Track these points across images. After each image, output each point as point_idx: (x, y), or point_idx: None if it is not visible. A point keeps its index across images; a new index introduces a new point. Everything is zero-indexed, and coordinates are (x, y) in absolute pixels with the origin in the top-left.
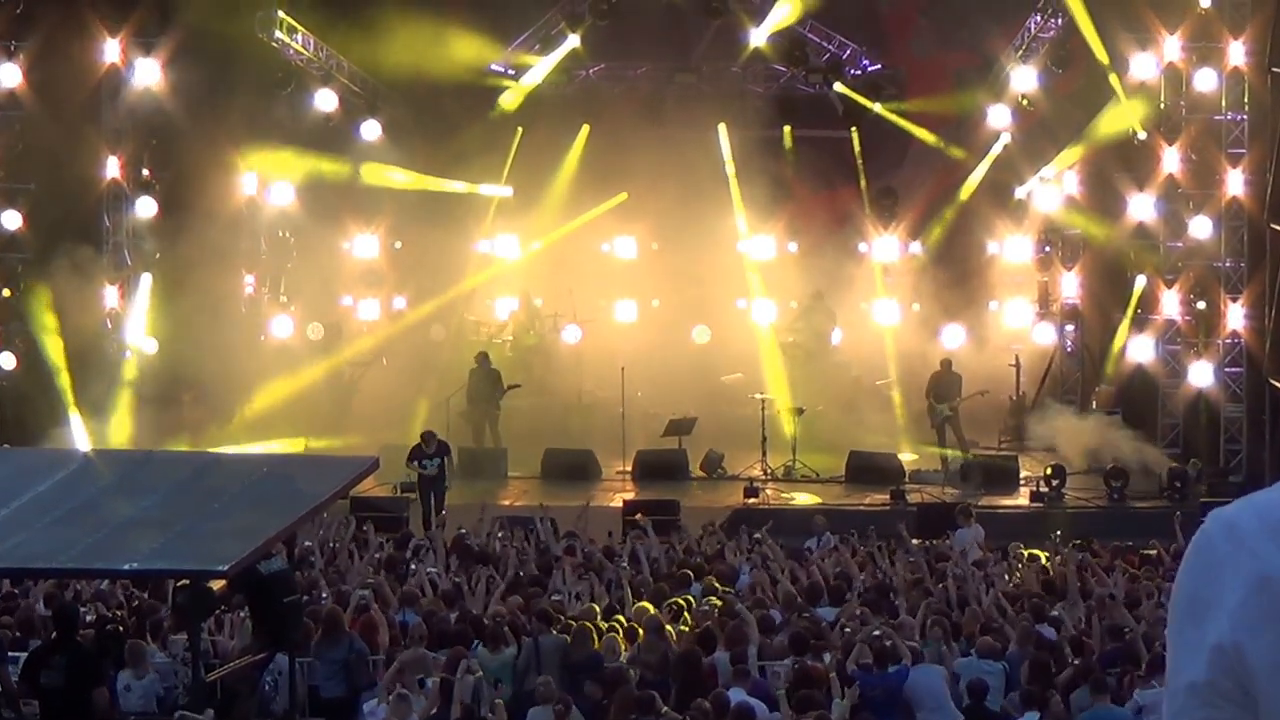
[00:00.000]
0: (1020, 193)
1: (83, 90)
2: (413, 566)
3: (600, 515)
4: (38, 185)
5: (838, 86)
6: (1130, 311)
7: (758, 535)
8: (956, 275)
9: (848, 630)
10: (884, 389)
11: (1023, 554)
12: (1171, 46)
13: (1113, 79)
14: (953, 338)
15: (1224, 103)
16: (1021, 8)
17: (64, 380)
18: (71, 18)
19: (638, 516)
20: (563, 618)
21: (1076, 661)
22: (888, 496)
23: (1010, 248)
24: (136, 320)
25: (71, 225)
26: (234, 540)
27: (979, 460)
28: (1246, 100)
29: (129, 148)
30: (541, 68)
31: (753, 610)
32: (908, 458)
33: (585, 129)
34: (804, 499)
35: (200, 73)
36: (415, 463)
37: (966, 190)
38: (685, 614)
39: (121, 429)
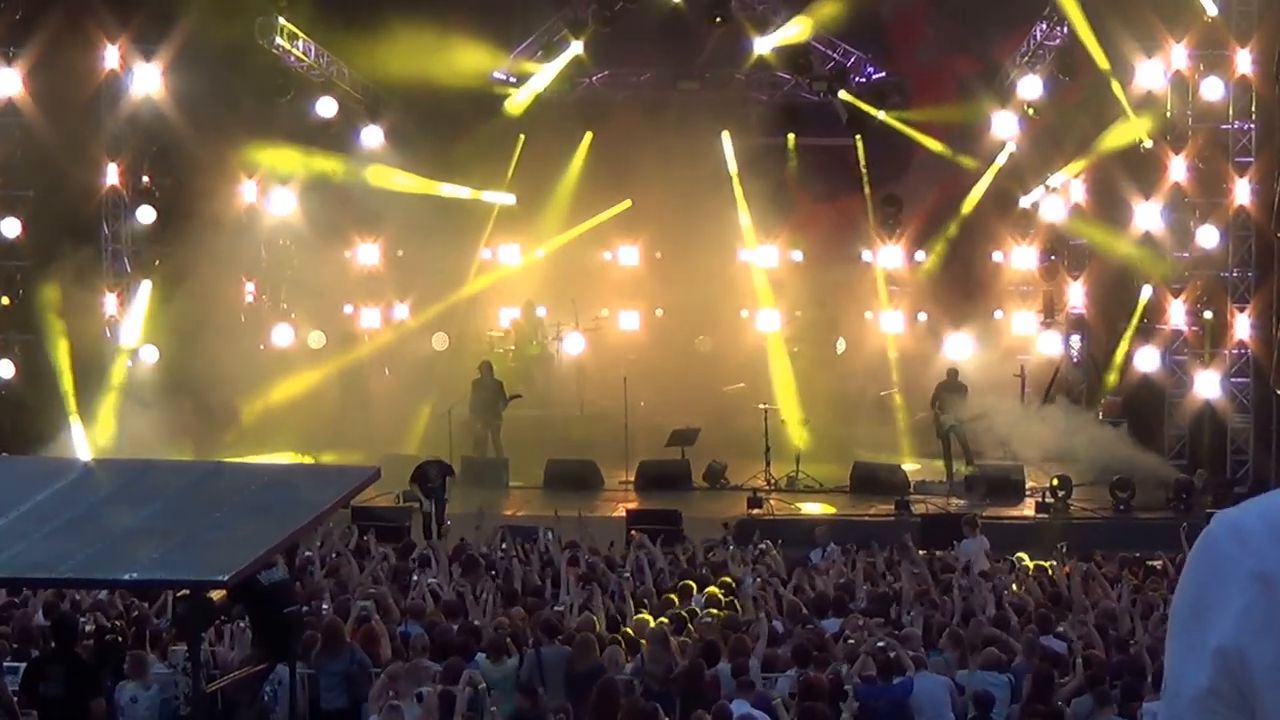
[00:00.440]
0: (1026, 202)
1: (82, 97)
2: (414, 577)
3: (603, 525)
4: (37, 192)
5: (842, 94)
6: (1135, 321)
7: (761, 546)
8: (961, 284)
9: (851, 641)
10: (888, 399)
11: (1027, 565)
12: (1178, 55)
13: (1115, 87)
14: (958, 347)
15: (1231, 111)
16: (1027, 15)
17: (63, 388)
18: (71, 24)
19: (632, 533)
20: (566, 629)
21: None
22: (892, 507)
23: (1016, 257)
24: (136, 328)
25: (71, 233)
26: (234, 550)
27: (984, 471)
28: (1254, 109)
29: (129, 155)
30: (545, 74)
31: (756, 621)
32: (912, 468)
33: (588, 136)
34: (808, 509)
35: (200, 79)
36: (416, 484)
37: (972, 199)
38: (688, 625)
39: (121, 438)
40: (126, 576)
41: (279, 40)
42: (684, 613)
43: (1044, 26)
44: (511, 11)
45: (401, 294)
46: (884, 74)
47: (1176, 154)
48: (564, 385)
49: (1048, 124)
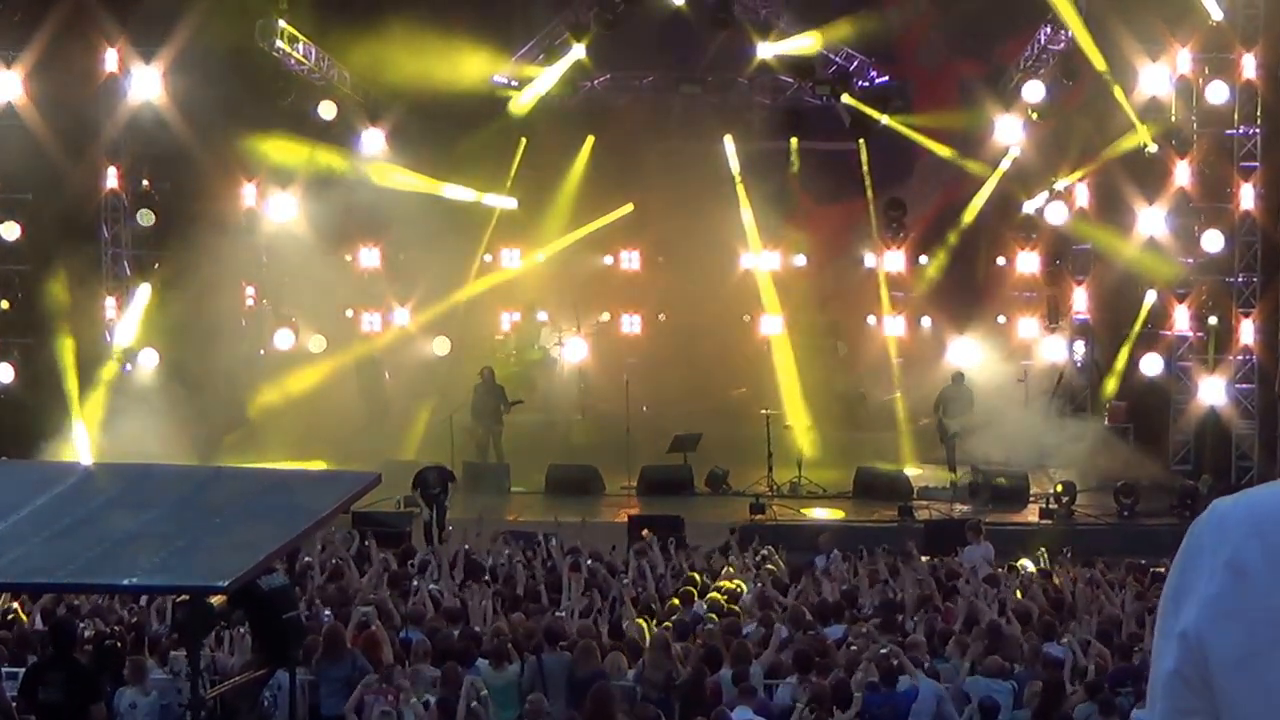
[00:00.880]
0: (1029, 207)
1: (82, 100)
2: (415, 583)
3: (604, 531)
4: (36, 195)
5: (845, 98)
6: (1138, 326)
7: (763, 551)
8: (965, 289)
9: (854, 648)
10: (891, 404)
11: (1031, 571)
12: (1183, 59)
13: (1118, 93)
14: (961, 352)
15: (1236, 116)
16: (1030, 20)
17: (63, 392)
18: (70, 27)
19: (644, 533)
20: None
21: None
22: (895, 513)
23: (1019, 262)
24: (132, 331)
25: (70, 236)
26: (234, 555)
27: (988, 476)
28: (1259, 113)
29: (128, 158)
30: (547, 78)
31: (758, 627)
32: (915, 473)
33: (590, 140)
34: (810, 515)
35: (200, 82)
36: (417, 488)
37: (975, 204)
38: (690, 631)
39: (121, 442)
40: (126, 582)
41: (279, 43)
42: (685, 619)
43: (1048, 30)
44: (512, 15)
45: (402, 298)
46: (887, 78)
47: (1181, 159)
48: (565, 390)
49: (1052, 128)
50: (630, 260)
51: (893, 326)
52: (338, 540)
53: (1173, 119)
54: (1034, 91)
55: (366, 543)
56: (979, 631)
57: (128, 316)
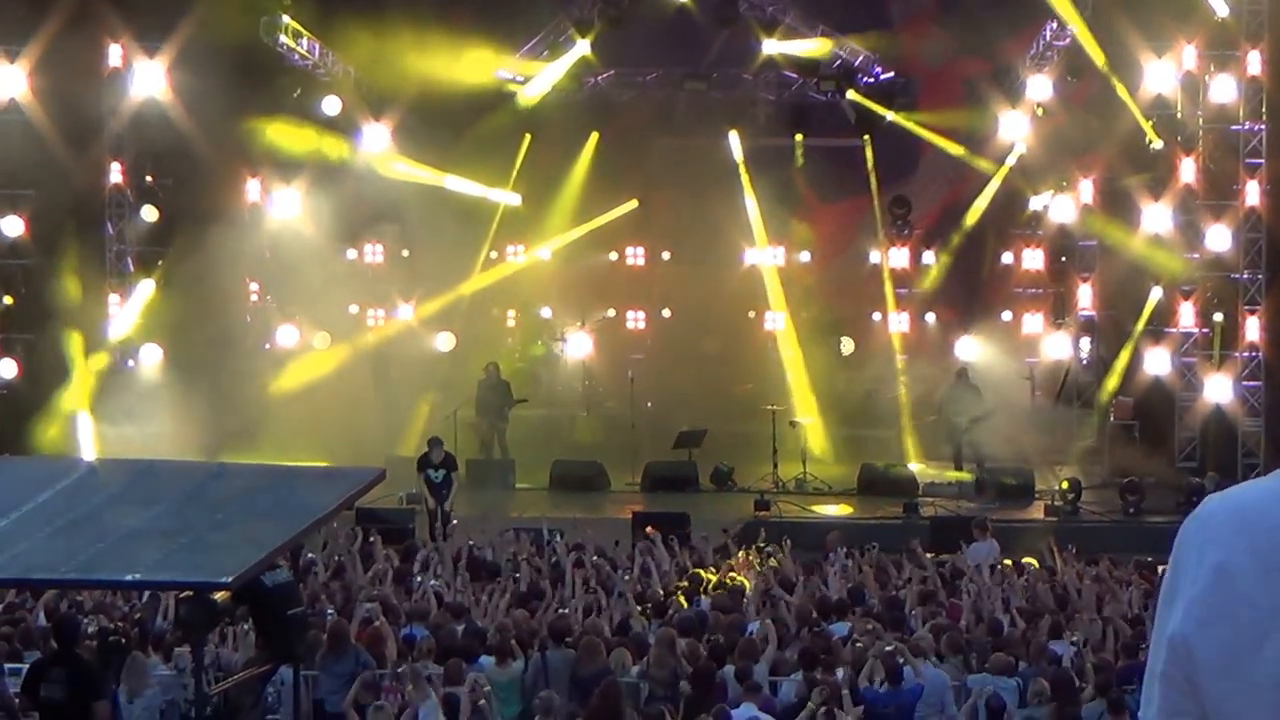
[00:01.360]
0: (1035, 203)
1: (85, 95)
2: (418, 579)
3: (609, 527)
4: (39, 191)
5: (850, 94)
6: (1142, 323)
7: (769, 548)
8: (970, 286)
9: (859, 645)
10: (895, 401)
11: (1036, 568)
12: (1188, 55)
13: (1121, 90)
14: (966, 349)
15: (1242, 112)
16: (1036, 16)
17: (66, 388)
18: (74, 22)
19: (648, 529)
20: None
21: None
22: (900, 510)
23: (1025, 258)
24: (134, 326)
25: (74, 232)
26: (238, 551)
27: (994, 473)
28: (1265, 110)
29: (131, 154)
30: (551, 73)
31: (762, 624)
32: (918, 467)
33: (594, 136)
34: (817, 512)
35: (204, 78)
36: (422, 475)
37: (981, 200)
38: (695, 628)
39: (124, 438)
40: (129, 577)
41: (283, 38)
42: (691, 615)
43: (1053, 26)
44: (516, 11)
45: (406, 295)
46: (892, 74)
47: (1187, 155)
48: (570, 386)
49: (1057, 125)
50: (635, 256)
51: (897, 323)
52: (341, 536)
53: (1178, 115)
54: (1039, 88)
55: (371, 539)
56: (982, 629)
57: (125, 310)
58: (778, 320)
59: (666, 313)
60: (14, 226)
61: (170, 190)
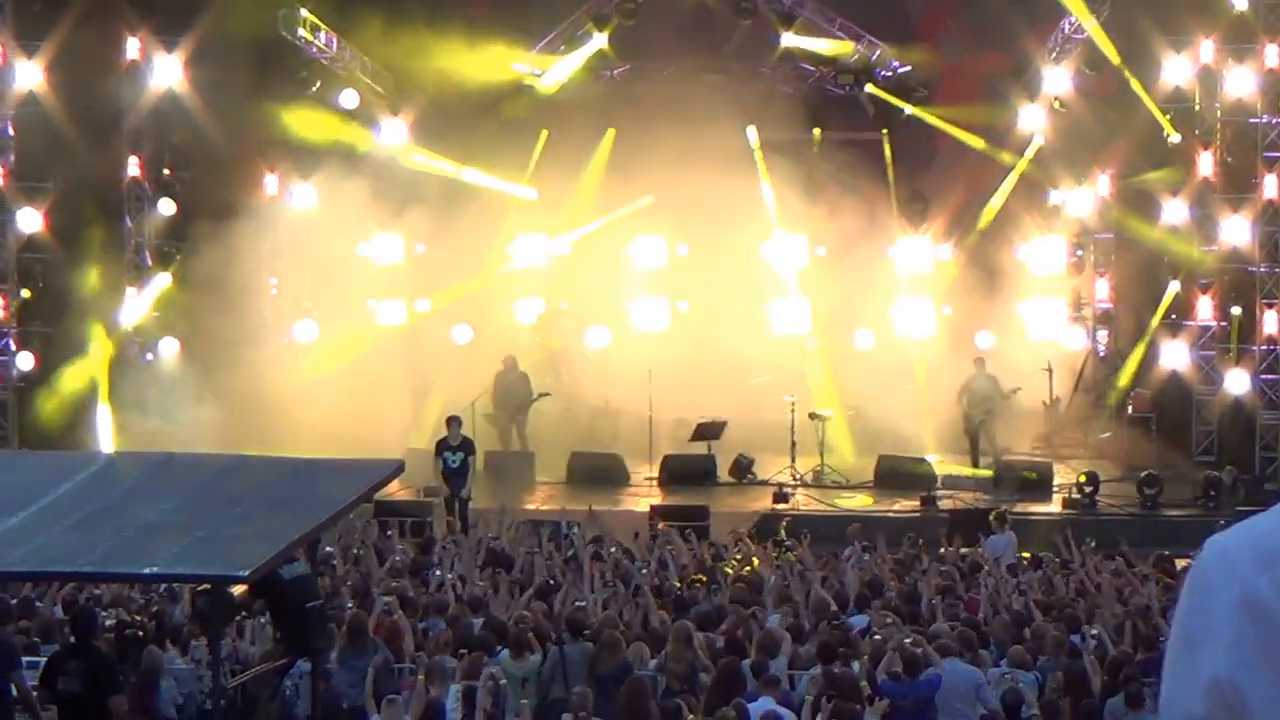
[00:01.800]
0: (1053, 196)
1: (103, 89)
2: (436, 572)
3: (628, 521)
4: (58, 185)
5: (869, 88)
6: (1158, 316)
7: (789, 541)
8: (987, 279)
9: (877, 637)
10: (913, 393)
11: (1055, 562)
12: (1206, 48)
13: (1135, 85)
14: (984, 342)
15: (1260, 105)
16: (1054, 9)
17: (84, 381)
18: (91, 16)
19: (660, 526)
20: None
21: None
22: (918, 502)
23: (1042, 251)
24: (157, 321)
25: (92, 225)
26: (255, 544)
27: (1012, 466)
28: None
29: (149, 147)
30: (568, 63)
31: (783, 618)
32: (935, 459)
33: (611, 131)
34: (836, 505)
35: (222, 71)
36: (439, 459)
37: (999, 194)
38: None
39: (142, 431)
40: (147, 570)
41: (301, 31)
42: (709, 609)
43: (1071, 20)
44: (533, 4)
45: (423, 288)
46: (910, 68)
47: (1205, 148)
48: (588, 379)
49: (1075, 118)
50: (652, 250)
51: (915, 315)
52: (359, 529)
53: (1196, 108)
54: (1057, 82)
55: (389, 532)
56: (1000, 621)
57: (139, 299)
58: (796, 313)
59: (684, 306)
60: (32, 220)
61: (188, 184)
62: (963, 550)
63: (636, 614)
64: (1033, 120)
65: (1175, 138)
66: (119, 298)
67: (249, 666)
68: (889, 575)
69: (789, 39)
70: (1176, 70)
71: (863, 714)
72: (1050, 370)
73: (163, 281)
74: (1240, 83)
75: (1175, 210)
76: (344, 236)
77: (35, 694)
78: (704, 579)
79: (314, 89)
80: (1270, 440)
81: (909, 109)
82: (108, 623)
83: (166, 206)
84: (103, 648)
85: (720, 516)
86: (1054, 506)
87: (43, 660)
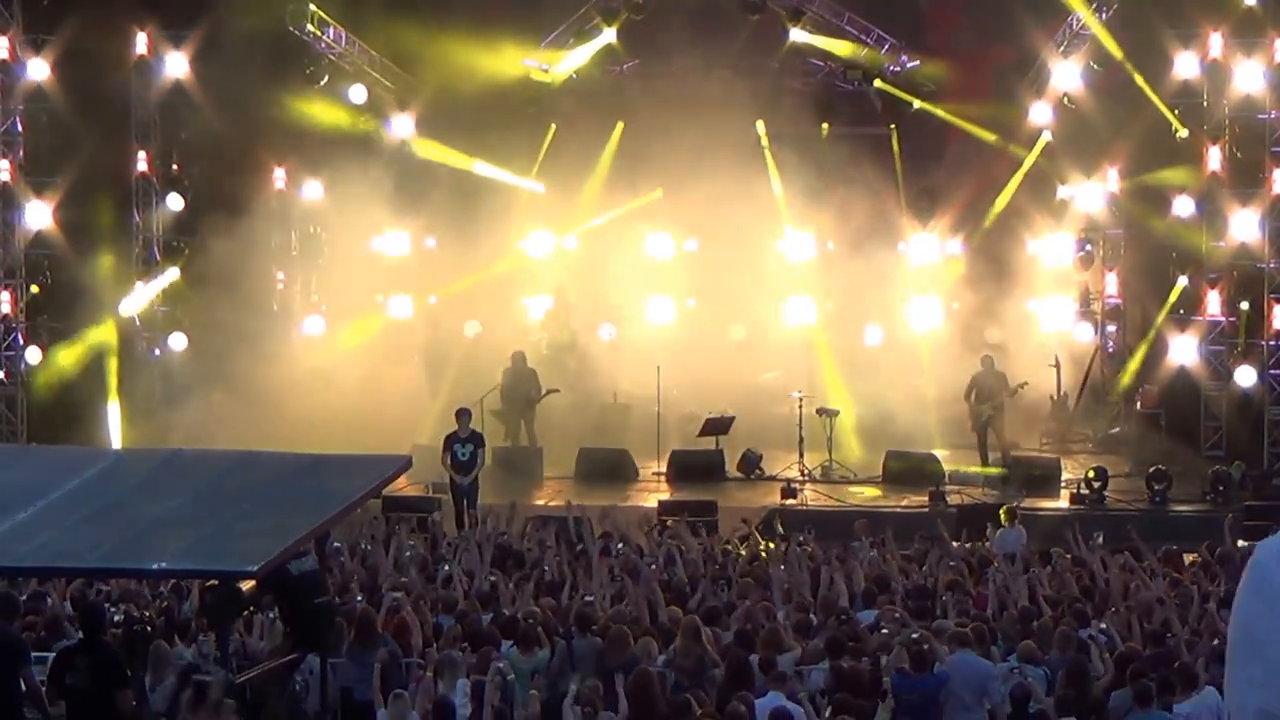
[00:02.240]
0: (1062, 191)
1: (111, 84)
2: (445, 567)
3: (635, 516)
4: (66, 180)
5: (877, 83)
6: (1165, 311)
7: (801, 537)
8: (996, 274)
9: (885, 632)
10: (921, 388)
11: (1065, 557)
12: (1215, 43)
13: (1140, 81)
14: (992, 337)
15: (1269, 100)
16: (1062, 5)
17: (90, 376)
18: (100, 11)
19: (669, 522)
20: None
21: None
22: (926, 498)
23: (1051, 246)
24: (165, 316)
25: (100, 220)
26: (264, 540)
27: (1020, 462)
28: None
29: (157, 142)
30: (577, 56)
31: (791, 614)
32: (943, 453)
33: (620, 126)
34: (845, 500)
35: (229, 66)
36: (448, 452)
37: (1008, 189)
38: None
39: (150, 426)
40: (155, 566)
41: (309, 27)
42: (717, 604)
43: (1079, 15)
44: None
45: (432, 283)
46: (918, 63)
47: (1213, 143)
48: (597, 374)
49: (1084, 113)
50: (660, 245)
51: (923, 311)
52: (367, 525)
53: (1205, 103)
54: (1066, 77)
55: (397, 527)
56: (1008, 617)
57: (145, 290)
58: (804, 308)
59: (692, 301)
60: (41, 215)
61: (196, 179)
62: (969, 545)
63: (644, 609)
64: (1041, 115)
65: (1183, 133)
66: (128, 293)
67: (257, 662)
68: (897, 571)
69: (797, 34)
70: (1185, 65)
71: (872, 709)
72: (1058, 366)
73: (171, 276)
74: (1249, 78)
75: (1184, 205)
76: (352, 231)
77: (44, 689)
78: (714, 572)
79: (322, 84)
80: (1278, 435)
81: (917, 104)
82: (116, 618)
83: (175, 201)
84: (111, 643)
85: (728, 511)
86: (1062, 502)
87: (51, 656)
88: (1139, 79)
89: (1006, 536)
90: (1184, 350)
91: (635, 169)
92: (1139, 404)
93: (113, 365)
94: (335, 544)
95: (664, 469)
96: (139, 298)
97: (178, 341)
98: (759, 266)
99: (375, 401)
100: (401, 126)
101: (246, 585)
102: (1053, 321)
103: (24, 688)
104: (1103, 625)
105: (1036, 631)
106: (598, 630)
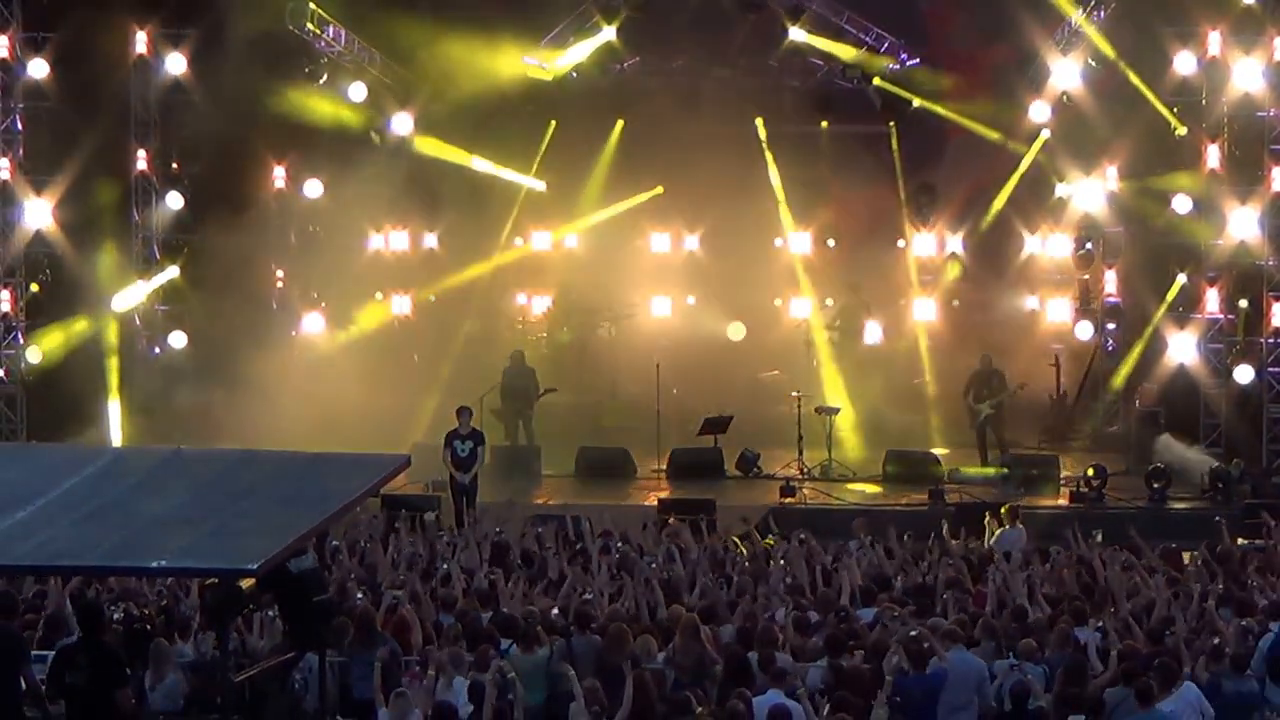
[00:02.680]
0: (1061, 189)
1: (110, 82)
2: (444, 565)
3: (634, 514)
4: (65, 178)
5: (876, 81)
6: (1162, 310)
7: (802, 535)
8: (996, 272)
9: (885, 628)
10: (921, 386)
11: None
12: (1214, 41)
13: (1134, 79)
14: (990, 335)
15: (1267, 98)
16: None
17: (90, 374)
18: (99, 10)
19: (670, 520)
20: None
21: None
22: (926, 496)
23: (1050, 244)
24: (165, 314)
25: (100, 219)
26: (263, 538)
27: (1019, 460)
28: None
29: (157, 141)
30: (577, 54)
31: (790, 611)
32: (942, 452)
33: (620, 124)
34: (843, 498)
35: (229, 65)
36: (449, 449)
37: (1007, 187)
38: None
39: (150, 425)
40: (155, 564)
41: (309, 25)
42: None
43: (1079, 13)
44: None
45: (431, 280)
46: (918, 60)
47: (1212, 141)
48: (596, 372)
49: (1083, 112)
50: (661, 243)
51: (923, 309)
52: (366, 523)
53: (1203, 101)
54: (1065, 74)
55: (396, 525)
56: (1007, 615)
57: (140, 286)
58: (803, 307)
59: (691, 299)
60: (40, 213)
61: (196, 177)
62: (971, 544)
63: (644, 607)
64: (1040, 113)
65: (1182, 131)
66: (127, 292)
67: (257, 660)
68: (897, 569)
69: (796, 33)
70: (1184, 63)
71: (870, 707)
72: (1058, 364)
73: (171, 274)
74: (1248, 76)
75: (1183, 203)
76: (352, 229)
77: (44, 688)
78: (713, 570)
79: (322, 82)
80: (1278, 433)
81: (916, 102)
82: (116, 616)
83: (175, 200)
84: (111, 641)
85: (727, 510)
86: (1061, 500)
87: (51, 654)
88: (1135, 79)
89: (1006, 536)
90: (1183, 348)
91: (635, 167)
92: (1138, 402)
93: (113, 364)
94: (334, 542)
95: (663, 467)
96: (133, 293)
97: (178, 340)
98: (758, 264)
99: (374, 400)
100: (401, 124)
101: (246, 583)
102: (1052, 319)
103: (24, 686)
104: (1099, 624)
105: (1031, 629)
106: (597, 628)
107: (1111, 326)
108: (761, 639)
